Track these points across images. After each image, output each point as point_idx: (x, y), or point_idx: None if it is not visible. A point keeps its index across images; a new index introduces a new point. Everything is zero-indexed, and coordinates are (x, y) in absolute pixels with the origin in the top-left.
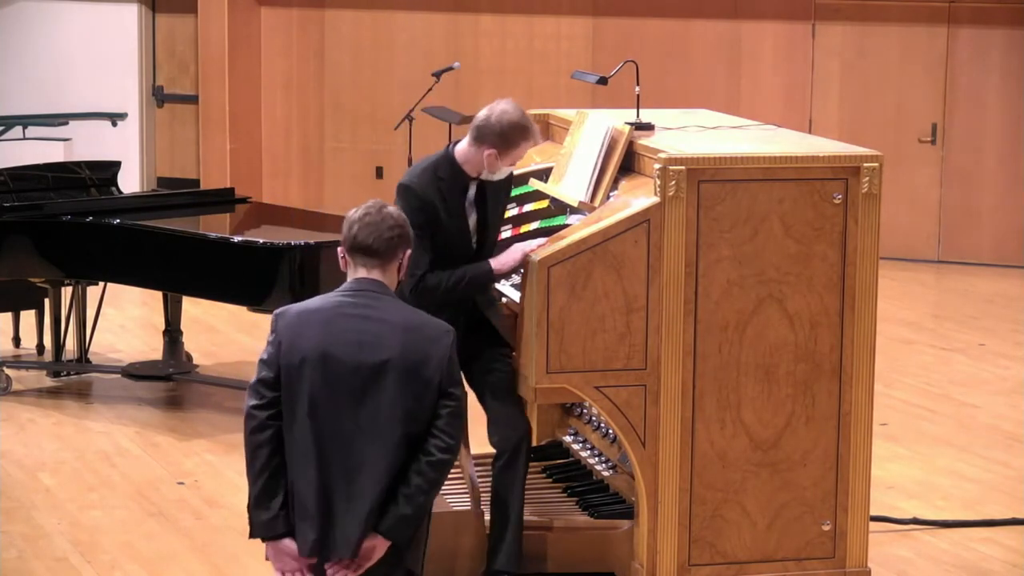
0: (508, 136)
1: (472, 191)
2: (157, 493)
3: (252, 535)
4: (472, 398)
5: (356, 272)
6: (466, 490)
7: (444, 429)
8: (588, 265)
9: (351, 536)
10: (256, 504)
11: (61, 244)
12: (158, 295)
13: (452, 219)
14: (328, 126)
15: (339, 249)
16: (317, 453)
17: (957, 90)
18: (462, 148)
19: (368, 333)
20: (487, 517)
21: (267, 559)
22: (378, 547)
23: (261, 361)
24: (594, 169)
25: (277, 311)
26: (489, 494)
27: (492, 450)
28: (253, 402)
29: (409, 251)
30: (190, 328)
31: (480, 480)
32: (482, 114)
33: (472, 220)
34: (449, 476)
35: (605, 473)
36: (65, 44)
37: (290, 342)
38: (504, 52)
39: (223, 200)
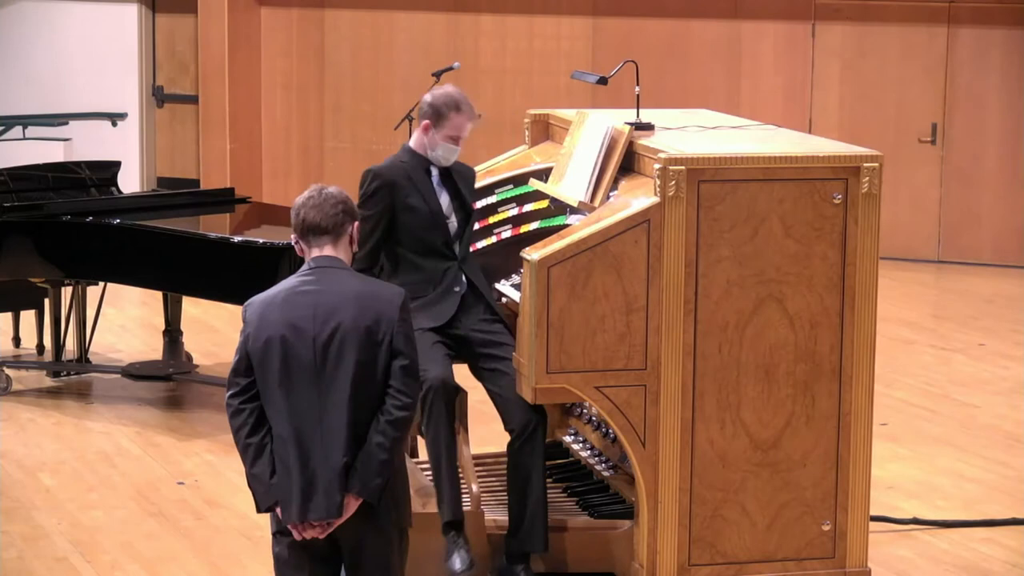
0: (437, 107)
1: (436, 173)
2: (157, 493)
3: (259, 510)
4: (472, 400)
5: (311, 253)
6: (466, 490)
7: (399, 388)
8: (588, 265)
9: (328, 497)
10: (252, 480)
11: (61, 244)
12: (158, 295)
13: (421, 195)
14: (328, 126)
15: (292, 237)
16: (291, 425)
17: (957, 90)
18: (413, 136)
19: (322, 306)
20: (487, 517)
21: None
22: (349, 504)
23: (236, 351)
24: (594, 169)
25: (246, 303)
26: (506, 480)
27: (492, 449)
28: (229, 392)
29: (356, 223)
30: (190, 328)
31: (481, 480)
32: (423, 98)
33: (445, 201)
34: (449, 476)
35: (605, 473)
36: (65, 44)
37: (256, 328)
38: (504, 52)
39: (223, 200)
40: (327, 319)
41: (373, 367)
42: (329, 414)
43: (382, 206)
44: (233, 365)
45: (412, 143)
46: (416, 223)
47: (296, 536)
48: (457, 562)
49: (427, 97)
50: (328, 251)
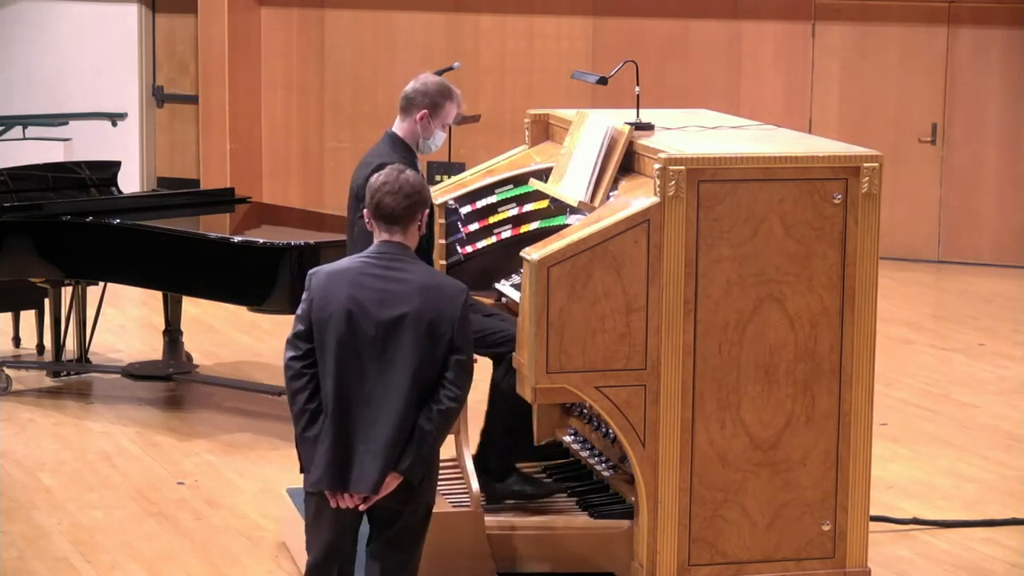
0: (434, 97)
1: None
2: (157, 493)
3: (302, 471)
4: (472, 399)
5: (379, 236)
6: (466, 490)
7: (453, 380)
8: (588, 265)
9: (368, 474)
10: (300, 443)
11: (61, 244)
12: (158, 295)
13: None
14: (328, 126)
15: (364, 212)
16: (341, 398)
17: (957, 90)
18: (399, 126)
19: (388, 291)
20: (487, 517)
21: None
22: (390, 483)
23: (297, 316)
24: (594, 169)
25: (311, 271)
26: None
27: None
28: (291, 354)
29: (427, 211)
30: (190, 328)
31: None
32: (408, 88)
33: None
34: (449, 478)
35: (605, 473)
36: (65, 44)
37: (321, 299)
38: (504, 52)
39: (223, 200)
40: (393, 305)
41: (431, 359)
42: (381, 396)
43: None
44: (295, 330)
45: (400, 132)
46: None
47: (331, 503)
48: None
49: (418, 87)
50: (398, 237)
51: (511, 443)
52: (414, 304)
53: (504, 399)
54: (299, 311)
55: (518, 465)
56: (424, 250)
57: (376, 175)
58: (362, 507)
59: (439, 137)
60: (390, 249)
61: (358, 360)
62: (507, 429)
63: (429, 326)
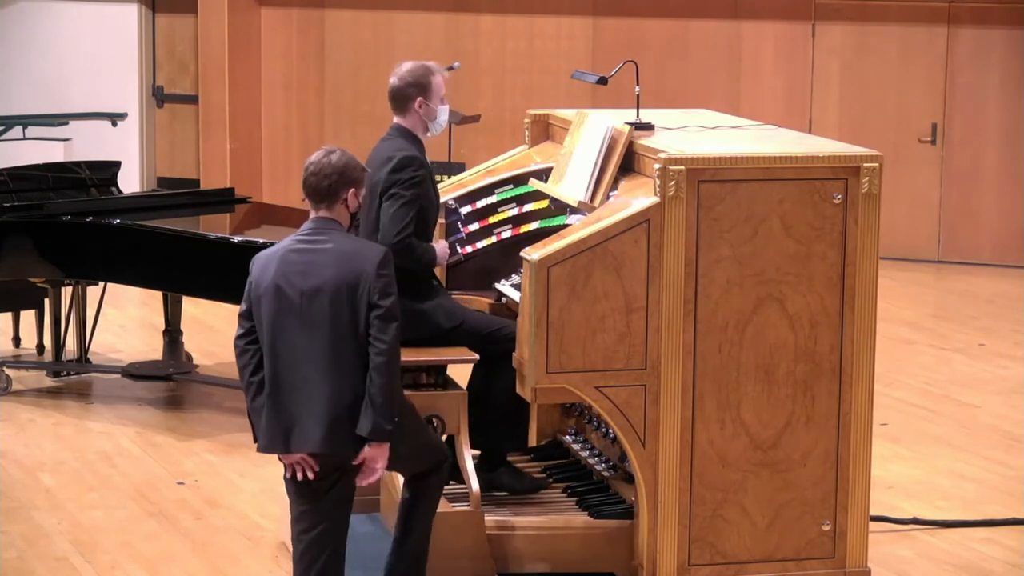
0: (419, 80)
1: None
2: (157, 493)
3: (255, 439)
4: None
5: (311, 213)
6: (466, 490)
7: (376, 336)
8: (588, 265)
9: (311, 434)
10: (252, 413)
11: (61, 244)
12: (158, 295)
13: (435, 188)
14: (328, 126)
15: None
16: (278, 368)
17: (957, 90)
18: (403, 121)
19: (311, 263)
20: (487, 517)
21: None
22: (373, 451)
23: (243, 298)
24: (594, 169)
25: (255, 256)
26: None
27: None
28: (237, 332)
29: (353, 190)
30: (190, 328)
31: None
32: (391, 86)
33: None
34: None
35: (605, 473)
36: (65, 44)
37: (256, 280)
38: (504, 52)
39: (223, 200)
40: (314, 275)
41: (355, 321)
42: (314, 362)
43: (423, 193)
44: (240, 309)
45: (406, 124)
46: (432, 215)
47: (287, 472)
48: None
49: (399, 82)
50: (323, 212)
51: (503, 435)
52: (332, 271)
53: (501, 392)
54: (244, 293)
55: (509, 458)
56: (368, 230)
57: (308, 158)
58: (311, 474)
59: (443, 112)
60: (316, 224)
61: (289, 331)
62: (501, 421)
63: (348, 289)
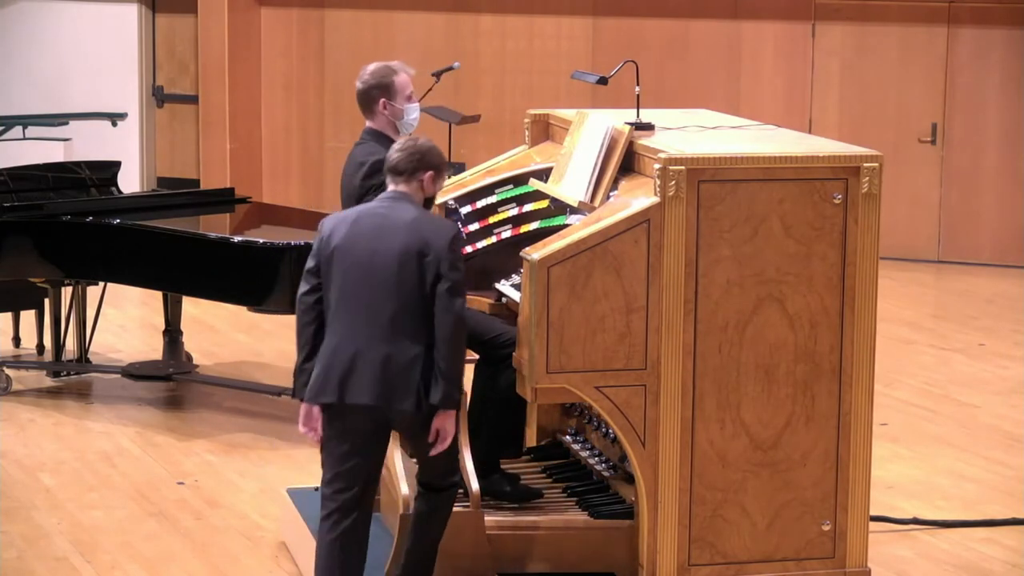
0: (378, 82)
1: None
2: (157, 493)
3: (293, 396)
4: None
5: (388, 187)
6: (466, 490)
7: (444, 308)
8: (588, 265)
9: (368, 388)
10: (299, 371)
11: (61, 244)
12: (158, 295)
13: None
14: (328, 126)
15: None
16: (339, 323)
17: (957, 90)
18: (373, 124)
19: (383, 227)
20: (487, 517)
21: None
22: (443, 419)
23: (310, 255)
24: (594, 169)
25: (323, 220)
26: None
27: None
28: (301, 288)
29: (431, 174)
30: (190, 328)
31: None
32: (357, 89)
33: None
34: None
35: (605, 473)
36: (65, 44)
37: (327, 238)
38: (504, 52)
39: (223, 200)
40: (386, 238)
41: (420, 286)
42: (375, 321)
43: None
44: (307, 265)
45: (376, 126)
46: None
47: (308, 431)
48: None
49: (361, 85)
50: (401, 187)
51: (498, 442)
52: (404, 237)
53: (498, 398)
54: (312, 250)
55: (503, 464)
56: None
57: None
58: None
59: (412, 111)
60: (393, 195)
61: (357, 289)
62: (496, 427)
63: (419, 256)
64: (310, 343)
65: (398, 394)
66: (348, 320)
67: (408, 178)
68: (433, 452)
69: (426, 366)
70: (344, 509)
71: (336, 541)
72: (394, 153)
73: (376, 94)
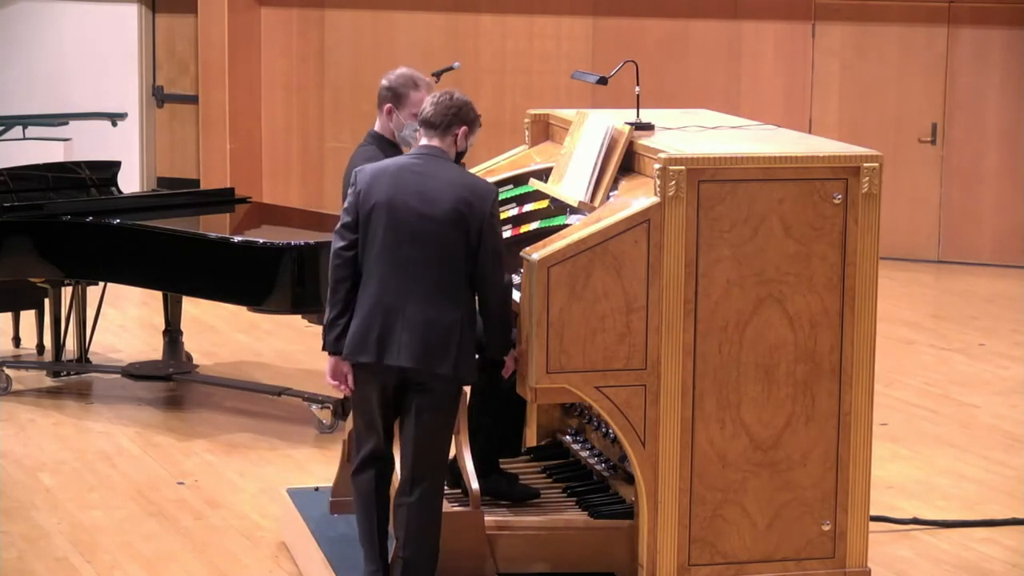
0: (395, 89)
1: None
2: (157, 493)
3: (323, 349)
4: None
5: (421, 141)
6: (465, 490)
7: (490, 272)
8: (588, 265)
9: (409, 348)
10: (330, 325)
11: (61, 244)
12: (158, 295)
13: None
14: (328, 126)
15: (417, 123)
16: (379, 280)
17: (957, 90)
18: (377, 124)
19: (425, 187)
20: (487, 517)
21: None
22: (510, 361)
23: (344, 209)
24: (594, 169)
25: (357, 168)
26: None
27: None
28: (338, 244)
29: (464, 128)
30: (190, 328)
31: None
32: (380, 83)
33: None
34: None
35: (605, 473)
36: (65, 44)
37: (366, 193)
38: (504, 52)
39: (223, 200)
40: (428, 198)
41: (462, 249)
42: (418, 280)
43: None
44: (342, 221)
45: (378, 127)
46: None
47: (339, 384)
48: None
49: (383, 82)
50: (435, 142)
51: (497, 441)
52: (449, 198)
53: (498, 398)
54: (346, 204)
55: (502, 464)
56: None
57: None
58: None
59: (407, 128)
60: (429, 151)
61: (397, 248)
62: (496, 427)
63: (462, 218)
64: (344, 299)
65: (437, 358)
66: (390, 278)
67: (443, 133)
68: (506, 373)
69: (465, 330)
70: (376, 458)
71: (374, 490)
72: (428, 106)
73: (387, 97)
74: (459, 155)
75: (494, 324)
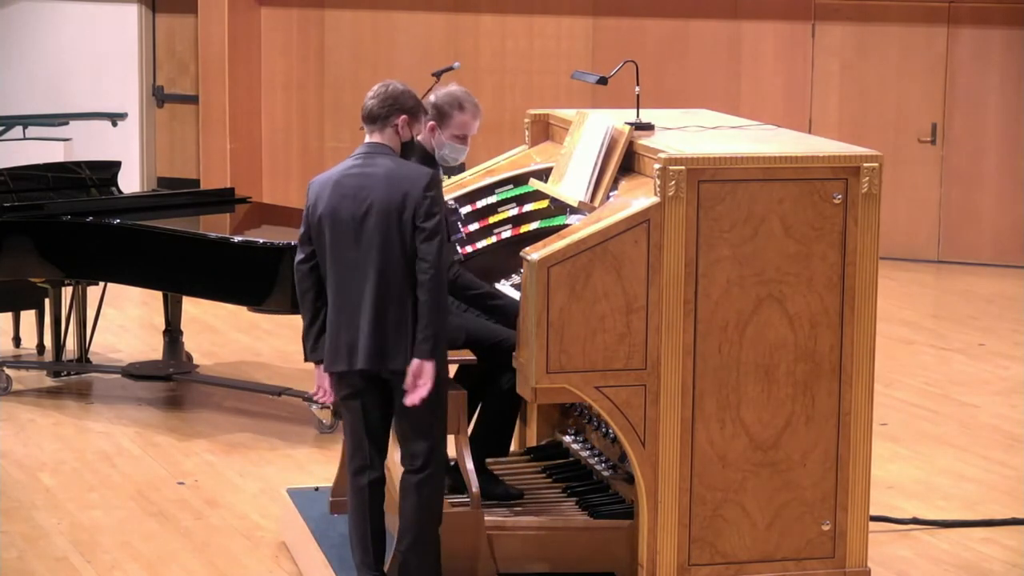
0: (440, 107)
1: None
2: (157, 493)
3: (305, 359)
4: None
5: (366, 137)
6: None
7: (422, 257)
8: (588, 265)
9: (363, 345)
10: (305, 335)
11: (61, 244)
12: (158, 295)
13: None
14: (328, 126)
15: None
16: (337, 288)
17: (957, 90)
18: (376, 138)
19: (362, 187)
20: (487, 517)
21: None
22: (418, 367)
23: (302, 221)
24: (594, 169)
25: (310, 181)
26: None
27: None
28: (297, 257)
29: (405, 118)
30: (190, 328)
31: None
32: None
33: None
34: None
35: (605, 473)
36: (65, 44)
37: (314, 204)
38: (504, 52)
39: (223, 200)
40: (364, 198)
41: (403, 241)
42: (364, 282)
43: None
44: (299, 235)
45: (420, 139)
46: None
47: (321, 394)
48: None
49: (431, 98)
50: (376, 137)
51: (487, 442)
52: (382, 193)
53: (493, 399)
54: (303, 216)
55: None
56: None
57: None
58: (328, 399)
59: (453, 148)
60: (368, 148)
61: (346, 253)
62: (489, 427)
63: (396, 211)
64: (311, 308)
65: (390, 355)
66: (344, 285)
67: (383, 125)
68: (408, 400)
69: (416, 323)
70: (369, 461)
71: (364, 490)
72: (368, 100)
73: (432, 115)
74: (406, 145)
75: (422, 308)
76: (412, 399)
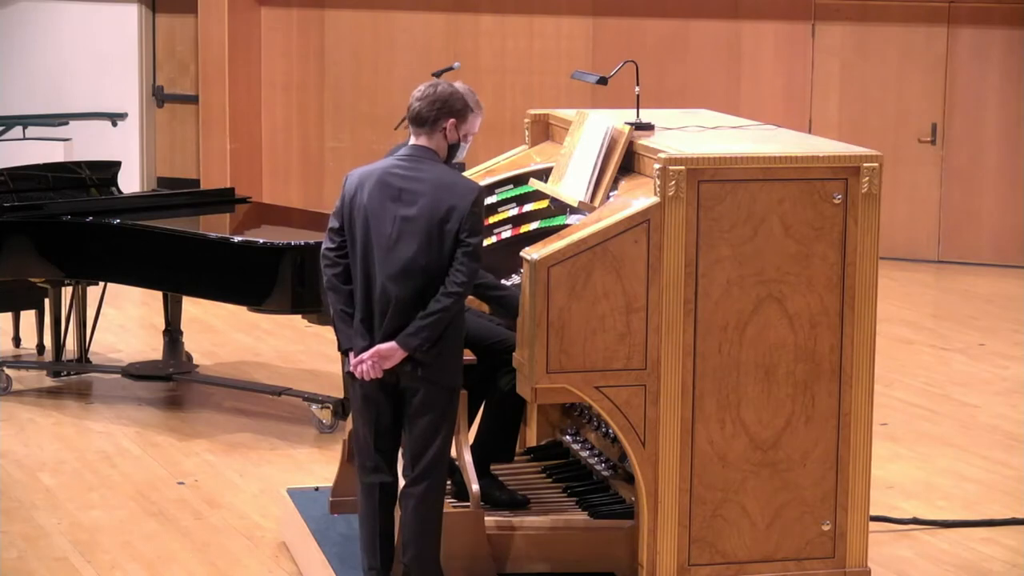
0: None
1: None
2: (157, 493)
3: (339, 348)
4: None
5: (411, 139)
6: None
7: (458, 268)
8: (588, 265)
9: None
10: (337, 324)
11: (61, 244)
12: (158, 295)
13: None
14: (328, 126)
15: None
16: (366, 285)
17: (957, 90)
18: (423, 142)
19: (407, 190)
20: (487, 517)
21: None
22: (389, 350)
23: (332, 214)
24: (594, 169)
25: (347, 173)
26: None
27: None
28: (326, 246)
29: (453, 121)
30: (190, 328)
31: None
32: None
33: None
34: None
35: (605, 473)
36: (65, 44)
37: (351, 198)
38: (504, 52)
39: (223, 200)
40: (410, 201)
41: (440, 251)
42: (397, 282)
43: None
44: (331, 224)
45: (433, 147)
46: None
47: (356, 372)
48: None
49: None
50: (423, 141)
51: (491, 447)
52: (428, 200)
53: (495, 402)
54: (334, 208)
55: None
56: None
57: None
58: (372, 374)
59: (463, 149)
60: (415, 152)
61: (380, 252)
62: (492, 432)
63: (440, 221)
64: (344, 293)
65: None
66: (373, 284)
67: (431, 129)
68: (351, 366)
69: (449, 333)
70: (379, 465)
71: (375, 490)
72: (414, 101)
73: (450, 112)
74: (452, 147)
75: (433, 308)
76: (354, 367)
